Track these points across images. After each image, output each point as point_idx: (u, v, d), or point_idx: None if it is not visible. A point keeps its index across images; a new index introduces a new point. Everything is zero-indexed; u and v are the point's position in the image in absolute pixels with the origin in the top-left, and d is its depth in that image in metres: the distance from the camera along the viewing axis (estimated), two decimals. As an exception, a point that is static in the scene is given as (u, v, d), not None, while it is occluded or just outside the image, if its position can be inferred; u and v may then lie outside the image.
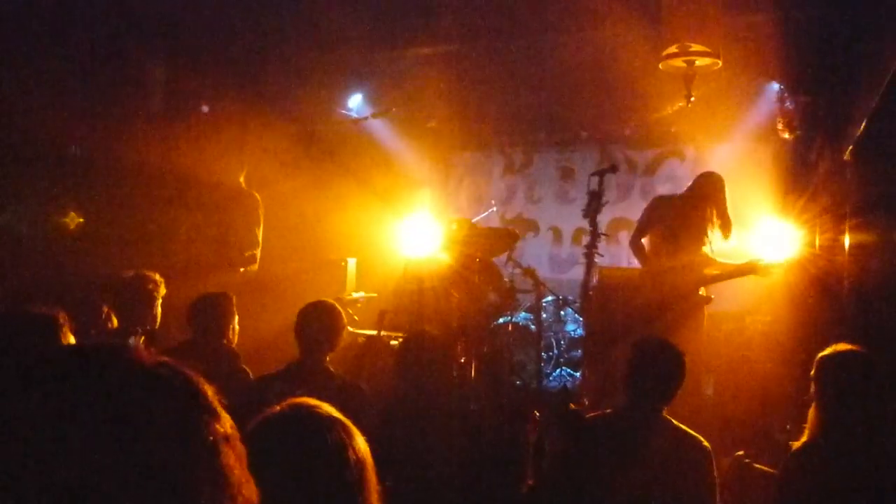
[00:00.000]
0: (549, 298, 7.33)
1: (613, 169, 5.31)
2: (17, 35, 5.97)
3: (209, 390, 0.83)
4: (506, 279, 6.58)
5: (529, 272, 6.29)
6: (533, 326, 6.98)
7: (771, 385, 5.61)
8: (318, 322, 3.76)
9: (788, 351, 5.49)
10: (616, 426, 3.22)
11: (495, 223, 9.64)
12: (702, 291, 5.44)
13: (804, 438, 2.97)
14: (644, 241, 5.57)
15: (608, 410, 3.41)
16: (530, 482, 2.64)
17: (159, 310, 4.35)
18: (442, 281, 5.76)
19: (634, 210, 8.40)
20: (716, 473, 3.23)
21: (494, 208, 9.23)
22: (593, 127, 9.07)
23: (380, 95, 8.39)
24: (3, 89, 5.92)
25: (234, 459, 0.81)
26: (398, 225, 7.23)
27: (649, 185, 9.14)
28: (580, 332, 7.58)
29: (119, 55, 6.59)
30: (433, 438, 3.06)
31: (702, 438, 3.18)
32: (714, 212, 5.43)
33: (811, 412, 2.98)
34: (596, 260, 5.13)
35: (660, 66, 5.88)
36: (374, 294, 6.64)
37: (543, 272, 7.63)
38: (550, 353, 7.69)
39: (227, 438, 0.81)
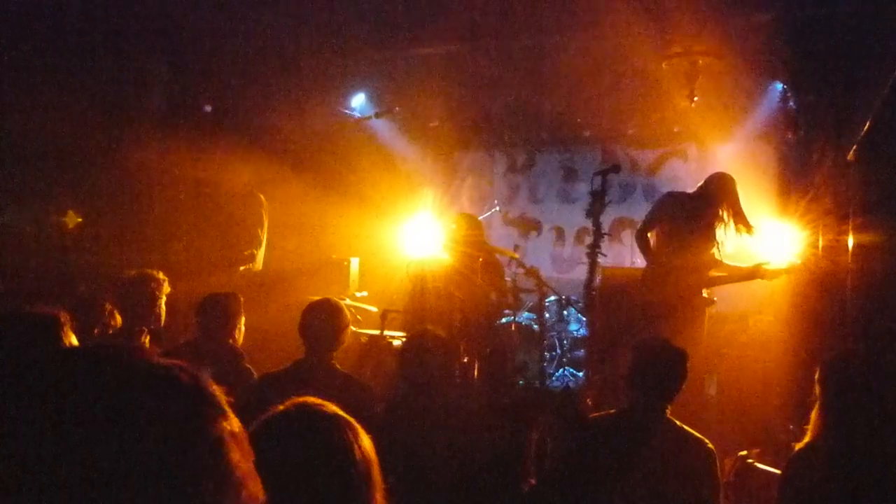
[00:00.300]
0: (552, 298, 7.32)
1: (616, 169, 5.30)
2: (18, 34, 5.98)
3: (216, 388, 0.84)
4: (508, 279, 6.58)
5: (532, 272, 6.28)
6: (536, 326, 6.99)
7: (774, 385, 5.61)
8: (323, 320, 3.76)
9: (791, 351, 5.48)
10: (619, 426, 3.22)
11: (498, 223, 9.65)
12: (705, 293, 5.43)
13: (807, 439, 2.97)
14: (650, 235, 5.57)
15: (611, 410, 3.41)
16: (532, 481, 2.64)
17: (163, 308, 4.35)
18: (444, 281, 5.76)
19: (637, 210, 8.41)
20: (719, 474, 3.23)
21: (497, 208, 9.23)
22: (596, 126, 9.06)
23: (382, 95, 8.40)
24: (5, 89, 5.94)
25: (241, 456, 0.81)
26: (401, 225, 7.23)
27: (652, 185, 9.13)
28: (583, 331, 7.58)
29: (121, 54, 6.60)
30: (435, 438, 3.06)
31: (705, 439, 3.18)
32: (728, 212, 5.41)
33: (814, 414, 2.98)
34: (599, 260, 5.13)
35: (663, 65, 5.88)
36: (375, 308, 6.63)
37: (546, 272, 7.62)
38: (553, 353, 7.69)
39: (233, 436, 0.81)
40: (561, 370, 7.65)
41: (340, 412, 1.62)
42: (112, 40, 6.46)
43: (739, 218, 5.42)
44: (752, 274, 5.32)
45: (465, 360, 5.16)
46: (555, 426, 2.88)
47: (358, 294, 6.82)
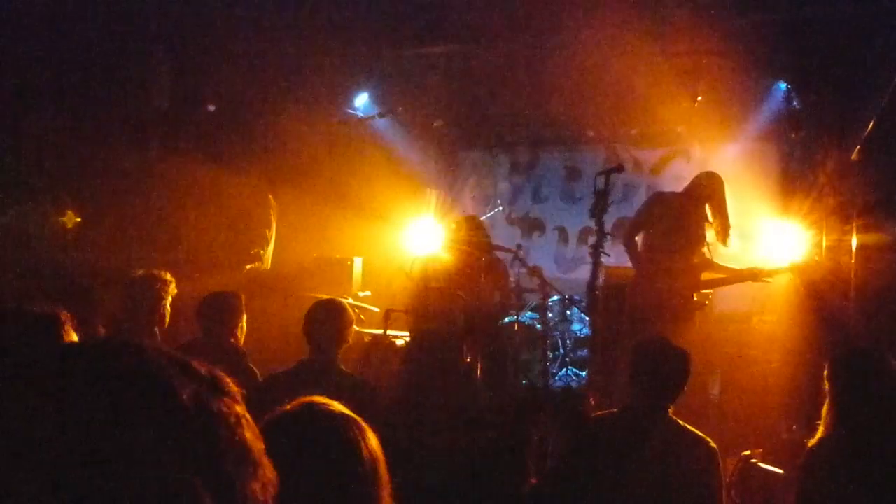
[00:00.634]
0: (555, 298, 7.32)
1: (620, 168, 5.30)
2: (19, 33, 6.00)
3: (229, 380, 0.86)
4: (512, 279, 6.57)
5: (535, 271, 6.28)
6: (539, 326, 6.98)
7: (777, 385, 5.60)
8: (327, 320, 3.77)
9: (794, 351, 5.48)
10: (621, 426, 3.22)
11: (501, 223, 9.65)
12: (696, 297, 5.38)
13: (819, 435, 2.99)
14: (638, 238, 5.51)
15: (614, 410, 3.42)
16: (533, 481, 2.64)
17: (168, 309, 4.36)
18: (447, 280, 5.76)
19: (640, 210, 8.40)
20: (721, 473, 3.23)
21: (500, 208, 9.23)
22: (599, 126, 9.06)
23: (386, 95, 8.40)
24: (5, 88, 5.95)
25: (255, 437, 0.83)
26: (404, 224, 7.24)
27: (655, 185, 9.11)
28: (586, 331, 7.58)
29: (123, 53, 6.61)
30: (437, 437, 3.06)
31: (708, 438, 3.18)
32: (712, 213, 5.37)
33: (825, 410, 3.00)
34: (602, 259, 5.12)
35: (667, 64, 5.87)
36: (377, 309, 6.63)
37: (549, 272, 7.62)
38: (556, 353, 7.69)
39: (245, 419, 0.83)
40: (564, 370, 7.64)
41: (347, 411, 1.62)
42: (114, 39, 6.48)
43: (721, 221, 5.36)
44: (749, 276, 5.28)
45: (468, 359, 5.16)
46: (556, 425, 2.88)
47: (361, 294, 6.83)
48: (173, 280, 4.39)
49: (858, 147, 5.41)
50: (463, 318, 5.62)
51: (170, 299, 4.35)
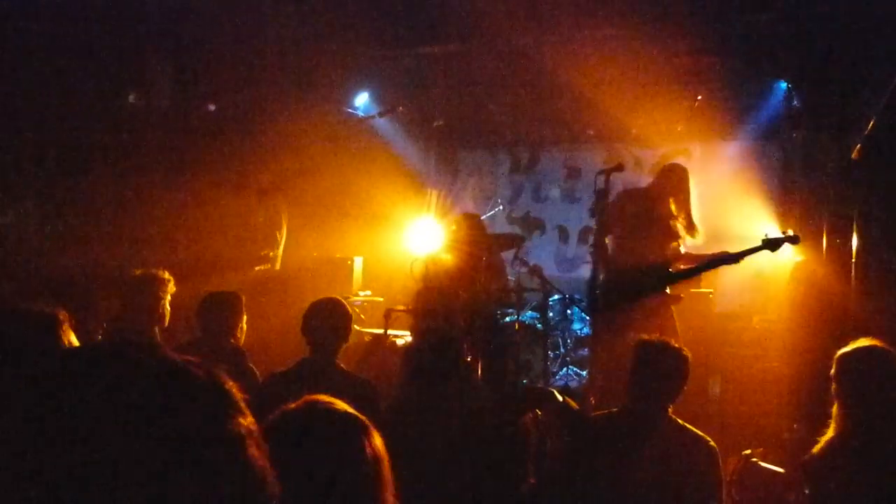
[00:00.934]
0: (556, 297, 7.32)
1: (620, 167, 5.28)
2: (19, 33, 6.00)
3: (232, 385, 0.85)
4: (512, 278, 6.57)
5: (536, 271, 6.28)
6: (539, 325, 6.98)
7: (777, 384, 5.60)
8: (327, 319, 3.77)
9: (795, 351, 5.47)
10: (621, 425, 3.22)
11: (502, 222, 9.64)
12: (668, 290, 5.34)
13: (829, 436, 2.93)
14: (608, 241, 5.44)
15: (614, 409, 3.41)
16: (532, 481, 2.64)
17: (167, 308, 4.36)
18: (448, 279, 5.76)
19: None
20: (722, 473, 3.23)
21: (501, 207, 9.23)
22: (599, 125, 9.05)
23: (386, 94, 8.40)
24: (6, 88, 5.95)
25: (258, 452, 0.83)
26: (404, 224, 7.24)
27: (656, 184, 9.12)
28: (586, 330, 7.57)
29: (124, 53, 6.61)
30: (437, 437, 3.06)
31: (708, 438, 3.18)
32: (676, 208, 5.32)
33: (834, 410, 2.94)
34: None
35: (667, 63, 5.87)
36: (380, 298, 6.63)
37: (550, 271, 7.62)
38: (557, 352, 7.69)
39: (250, 432, 0.83)
40: (564, 369, 7.64)
41: (351, 410, 1.62)
42: (115, 39, 6.48)
43: (685, 213, 5.29)
44: (722, 261, 5.17)
45: (469, 358, 5.15)
46: (555, 425, 2.88)
47: (361, 293, 6.83)
48: (172, 279, 4.39)
49: (858, 147, 5.41)
50: (463, 318, 5.62)
51: (169, 298, 4.35)
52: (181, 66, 7.09)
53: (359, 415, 1.61)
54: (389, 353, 5.47)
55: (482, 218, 6.78)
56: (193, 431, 0.77)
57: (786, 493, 3.85)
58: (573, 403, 3.02)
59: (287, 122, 7.39)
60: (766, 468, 3.94)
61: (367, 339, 5.93)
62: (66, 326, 2.39)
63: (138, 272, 4.43)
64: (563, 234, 9.80)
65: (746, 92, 7.67)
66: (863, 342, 2.99)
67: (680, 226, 5.28)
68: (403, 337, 5.72)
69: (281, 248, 6.59)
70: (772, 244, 4.90)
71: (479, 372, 5.32)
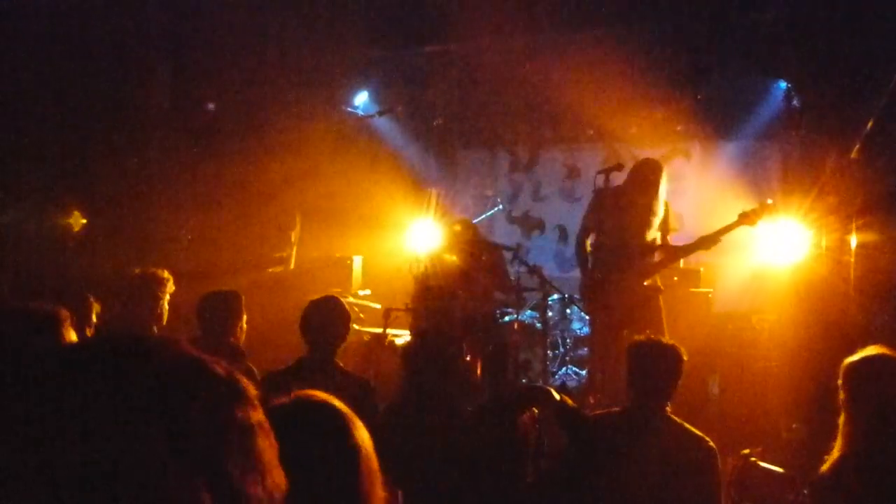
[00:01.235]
0: (555, 297, 7.32)
1: (619, 167, 5.30)
2: (20, 33, 6.00)
3: (245, 380, 0.87)
4: (511, 277, 6.58)
5: (535, 270, 6.28)
6: (539, 325, 6.98)
7: (777, 384, 5.60)
8: (324, 317, 3.77)
9: (794, 350, 5.48)
10: (620, 424, 3.22)
11: (501, 222, 9.65)
12: (647, 282, 5.36)
13: (838, 454, 2.75)
14: (588, 242, 5.49)
15: (613, 409, 3.42)
16: (530, 480, 2.64)
17: (166, 308, 4.36)
18: (447, 279, 5.77)
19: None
20: (720, 472, 3.23)
21: (500, 206, 9.22)
22: (599, 125, 9.05)
23: (386, 94, 8.40)
24: (7, 88, 5.95)
25: (268, 445, 0.84)
26: (404, 223, 7.24)
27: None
28: (586, 330, 7.57)
29: (123, 53, 6.61)
30: (436, 437, 3.06)
31: (706, 437, 3.18)
32: (652, 200, 5.34)
33: (842, 422, 2.78)
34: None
35: (666, 63, 5.87)
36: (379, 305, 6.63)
37: (549, 270, 7.61)
38: (556, 352, 7.69)
39: (261, 425, 0.84)
40: (564, 368, 7.64)
41: (335, 402, 1.61)
42: (114, 39, 6.48)
43: (657, 206, 5.33)
44: (700, 245, 5.24)
45: (468, 358, 5.16)
46: (551, 424, 2.88)
47: (361, 292, 6.83)
48: (171, 278, 4.39)
49: (858, 146, 5.41)
50: (463, 317, 5.62)
51: (168, 297, 4.35)
52: (181, 66, 7.09)
53: (343, 407, 1.61)
54: (389, 353, 5.47)
55: (480, 218, 6.79)
56: (206, 418, 0.78)
57: (785, 492, 3.85)
58: (570, 402, 3.02)
59: (287, 121, 7.39)
60: (765, 468, 3.94)
61: (366, 338, 5.93)
62: (67, 324, 2.40)
63: (137, 271, 4.44)
64: (563, 234, 9.79)
65: (746, 92, 7.67)
66: (871, 350, 2.84)
67: (654, 218, 5.32)
68: (403, 336, 5.73)
69: (295, 248, 6.61)
70: (748, 217, 4.97)
71: (479, 372, 5.33)
